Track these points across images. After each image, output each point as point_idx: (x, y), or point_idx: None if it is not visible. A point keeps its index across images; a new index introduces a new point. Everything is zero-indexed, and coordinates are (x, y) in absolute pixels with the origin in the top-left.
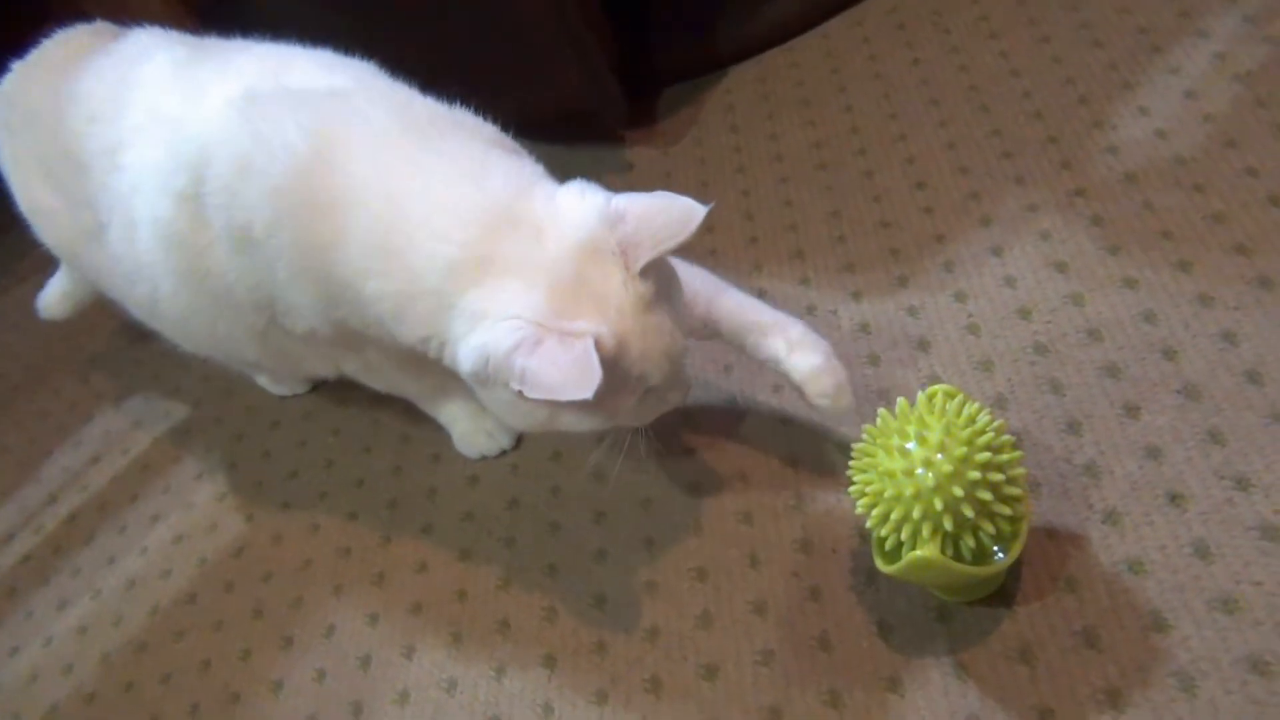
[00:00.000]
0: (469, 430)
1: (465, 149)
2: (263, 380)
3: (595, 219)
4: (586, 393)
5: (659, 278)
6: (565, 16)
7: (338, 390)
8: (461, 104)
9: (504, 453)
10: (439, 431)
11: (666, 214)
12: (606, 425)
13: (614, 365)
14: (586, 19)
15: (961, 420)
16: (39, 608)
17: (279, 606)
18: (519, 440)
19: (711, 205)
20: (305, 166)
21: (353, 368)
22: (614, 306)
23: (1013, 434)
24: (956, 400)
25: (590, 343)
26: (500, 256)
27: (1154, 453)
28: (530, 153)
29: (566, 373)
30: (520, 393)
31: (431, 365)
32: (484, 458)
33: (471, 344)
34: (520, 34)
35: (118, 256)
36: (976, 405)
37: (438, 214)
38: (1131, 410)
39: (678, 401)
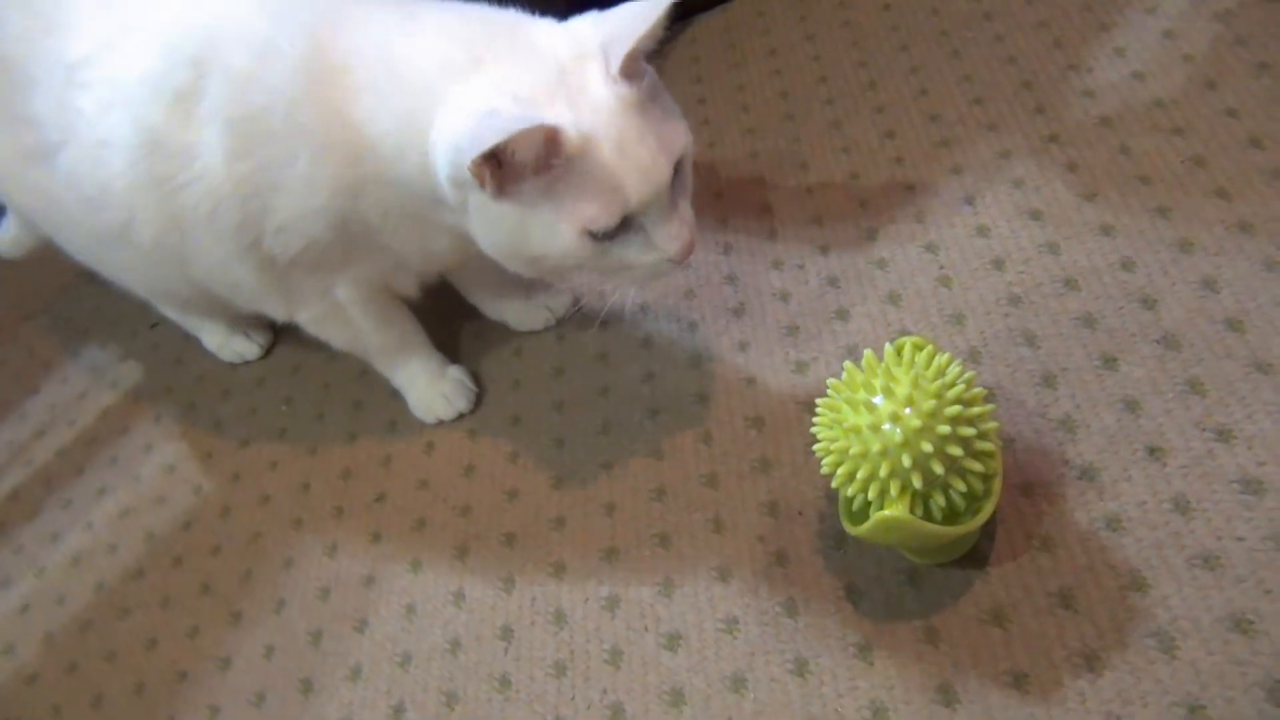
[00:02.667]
0: (425, 394)
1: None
2: (212, 343)
3: (587, 26)
4: (505, 132)
5: (648, 87)
6: None
7: (291, 357)
8: None
9: (461, 417)
10: (394, 398)
11: (639, 6)
12: (584, 253)
13: (582, 164)
14: None
15: (930, 372)
16: None
17: (228, 581)
18: (476, 404)
19: None
20: (319, 36)
21: (315, 312)
22: (588, 103)
23: (986, 388)
24: (925, 352)
25: (534, 117)
26: (492, 60)
27: (1132, 405)
28: None
29: (497, 122)
30: (486, 193)
31: (397, 314)
32: (440, 422)
33: (442, 135)
34: None
35: (76, 181)
36: (946, 356)
37: (439, 26)
38: (1109, 361)
39: (672, 253)
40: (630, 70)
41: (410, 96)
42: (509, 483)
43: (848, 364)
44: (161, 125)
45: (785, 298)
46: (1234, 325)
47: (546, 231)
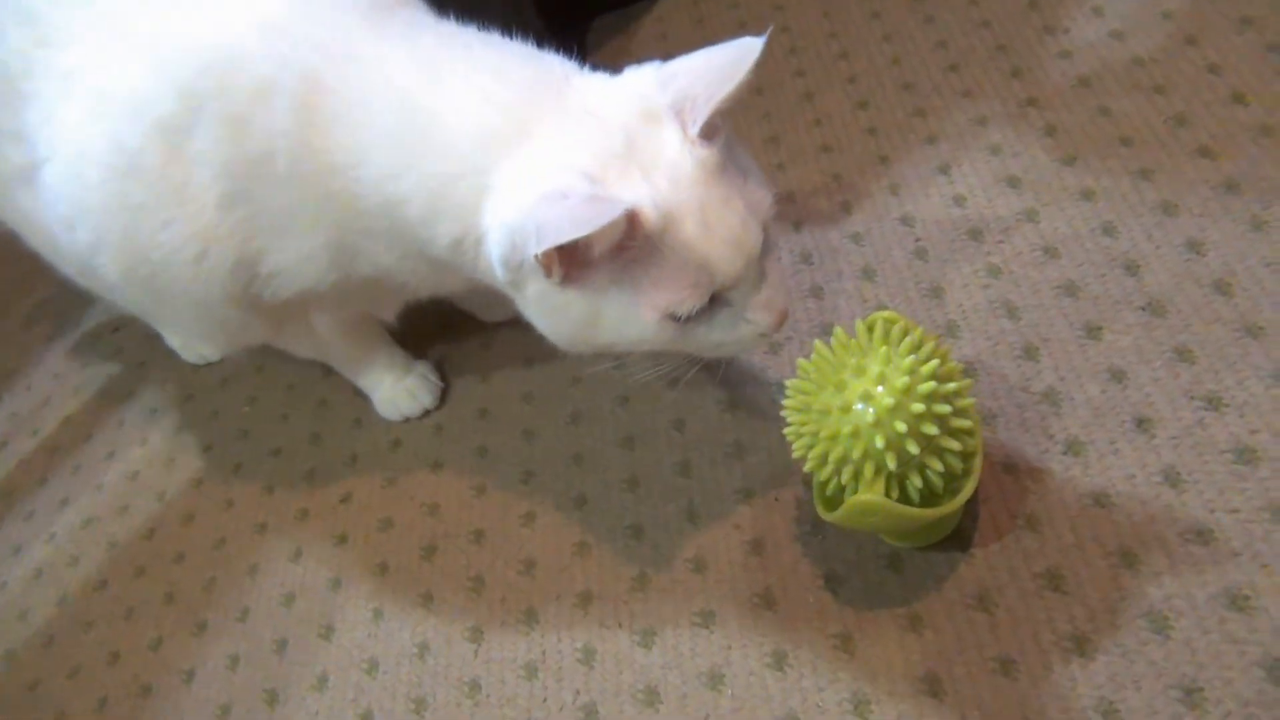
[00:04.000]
0: (391, 392)
1: (489, 37)
2: (174, 343)
3: (649, 82)
4: (588, 226)
5: (723, 146)
6: None
7: (254, 357)
8: None
9: (427, 412)
10: (360, 395)
11: (719, 57)
12: (664, 338)
13: (663, 244)
14: None
15: (903, 348)
16: None
17: (191, 590)
18: (443, 398)
19: (770, 30)
20: (325, 81)
21: (286, 334)
22: (665, 174)
23: (966, 363)
24: (898, 327)
25: (619, 204)
26: (543, 126)
27: (1118, 375)
28: None
29: (575, 211)
30: (552, 281)
31: (365, 326)
32: (407, 419)
33: (499, 219)
34: None
35: (56, 197)
36: (920, 331)
37: (473, 83)
38: (1092, 331)
39: (766, 326)
40: (709, 131)
41: (443, 165)
42: (477, 478)
43: (817, 343)
44: (139, 150)
45: None
46: (1221, 288)
47: (622, 318)
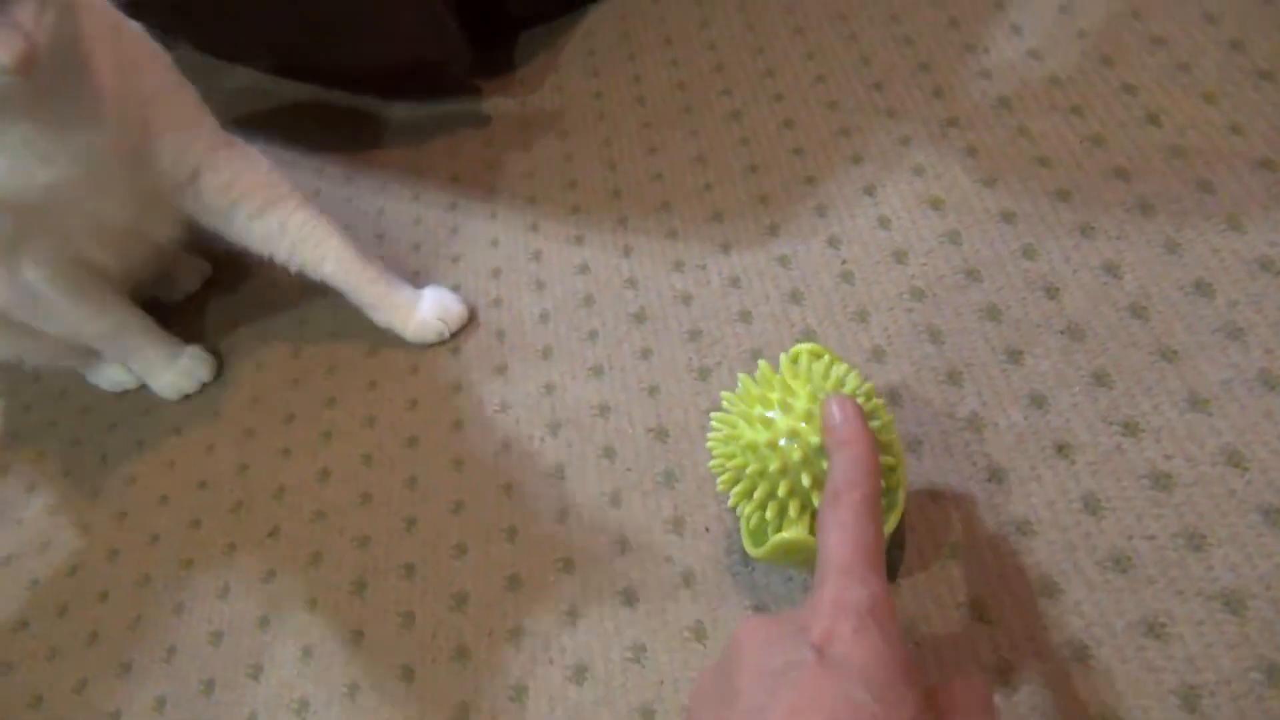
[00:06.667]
0: (165, 374)
1: None
2: (91, 376)
3: None
4: None
5: None
6: None
7: None
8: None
9: (203, 386)
10: (286, 423)
11: None
12: None
13: None
14: None
15: (829, 385)
16: None
17: (116, 629)
18: (375, 431)
19: None
20: None
21: (9, 298)
22: None
23: (891, 388)
24: (823, 362)
25: None
26: None
27: (1039, 400)
28: (383, 111)
29: None
30: None
31: (107, 300)
32: (186, 397)
33: None
34: None
35: None
36: (844, 366)
37: None
38: (1014, 355)
39: None
40: None
41: None
42: (407, 510)
43: (742, 376)
44: None
45: (687, 300)
46: (1137, 312)
47: None
